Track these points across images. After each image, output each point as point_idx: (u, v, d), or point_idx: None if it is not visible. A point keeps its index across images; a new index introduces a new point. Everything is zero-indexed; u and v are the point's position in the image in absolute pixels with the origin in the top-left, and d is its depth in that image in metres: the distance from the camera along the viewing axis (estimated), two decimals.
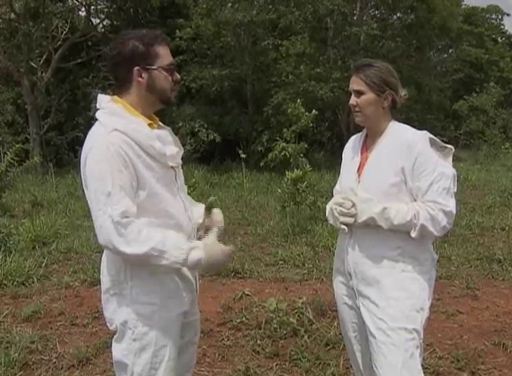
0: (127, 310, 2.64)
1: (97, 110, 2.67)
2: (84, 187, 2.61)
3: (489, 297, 6.13)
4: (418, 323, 2.96)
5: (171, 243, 2.53)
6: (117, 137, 2.51)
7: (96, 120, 2.65)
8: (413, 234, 2.90)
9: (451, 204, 2.90)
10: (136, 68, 2.61)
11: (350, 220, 2.96)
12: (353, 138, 3.33)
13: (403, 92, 3.09)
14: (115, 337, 2.74)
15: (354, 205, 2.95)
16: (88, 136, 2.62)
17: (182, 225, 2.72)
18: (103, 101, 2.68)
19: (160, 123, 2.83)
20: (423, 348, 4.72)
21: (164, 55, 2.66)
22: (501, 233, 9.23)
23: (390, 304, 2.94)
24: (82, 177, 2.60)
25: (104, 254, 2.75)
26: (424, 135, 2.99)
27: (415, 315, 2.95)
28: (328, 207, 3.13)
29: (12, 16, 19.59)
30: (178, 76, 2.74)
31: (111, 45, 2.72)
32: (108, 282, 2.70)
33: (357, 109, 3.05)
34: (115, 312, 2.70)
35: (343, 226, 2.99)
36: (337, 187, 3.33)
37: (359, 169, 3.10)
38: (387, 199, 2.93)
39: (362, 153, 3.15)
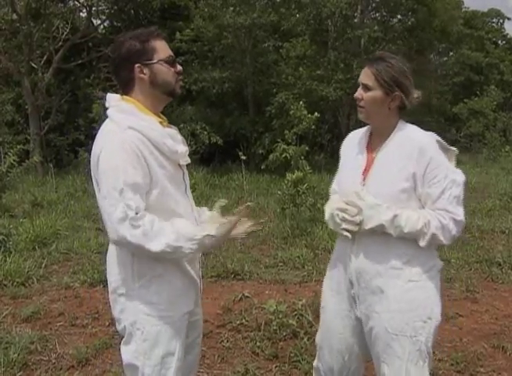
0: (135, 311, 2.65)
1: (106, 109, 2.69)
2: (94, 184, 2.63)
3: (489, 300, 6.13)
4: (424, 334, 2.85)
5: (184, 235, 2.53)
6: (131, 135, 2.53)
7: (106, 118, 2.67)
8: (422, 243, 2.79)
9: (461, 213, 2.85)
10: (137, 65, 2.63)
11: (354, 228, 2.83)
12: (354, 134, 3.16)
13: (416, 94, 2.92)
14: (124, 340, 2.74)
15: (359, 212, 2.81)
16: (99, 133, 2.63)
17: None
18: (113, 100, 2.70)
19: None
20: None
21: (161, 48, 2.68)
22: (501, 236, 9.22)
23: (393, 316, 2.84)
24: (93, 174, 2.61)
25: (110, 254, 2.74)
26: (433, 138, 2.90)
27: (421, 325, 2.84)
28: (328, 210, 2.98)
29: (14, 16, 19.58)
30: (180, 67, 2.75)
31: (110, 50, 2.74)
32: (115, 282, 2.70)
33: (361, 103, 2.89)
34: (122, 312, 2.70)
35: (346, 233, 2.86)
36: (335, 186, 3.20)
37: (364, 171, 2.94)
38: (397, 205, 2.80)
39: (367, 153, 2.99)
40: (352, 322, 3.03)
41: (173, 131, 2.78)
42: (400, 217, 2.76)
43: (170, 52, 2.71)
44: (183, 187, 2.79)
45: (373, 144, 2.99)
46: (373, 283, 2.88)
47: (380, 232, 2.81)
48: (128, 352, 2.73)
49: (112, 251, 2.72)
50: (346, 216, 2.83)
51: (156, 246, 2.47)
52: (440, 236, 2.80)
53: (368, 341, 2.99)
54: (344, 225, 2.85)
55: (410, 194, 2.82)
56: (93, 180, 2.64)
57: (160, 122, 2.71)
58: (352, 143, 3.10)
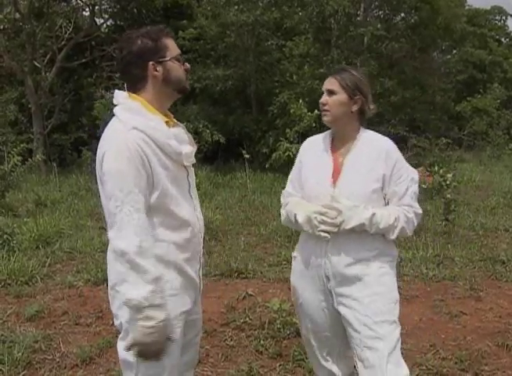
0: None
1: (114, 106, 2.70)
2: (98, 182, 2.64)
3: (493, 298, 6.12)
4: (396, 315, 3.10)
5: (151, 277, 2.53)
6: (135, 135, 2.54)
7: (113, 115, 2.69)
8: (392, 236, 3.10)
9: (419, 207, 3.16)
10: (150, 63, 2.65)
11: (333, 229, 3.02)
12: (314, 139, 3.41)
13: (372, 106, 3.20)
14: (120, 335, 2.74)
15: (339, 214, 3.01)
16: (106, 132, 2.64)
17: (190, 225, 2.75)
18: (121, 97, 2.71)
19: (175, 120, 2.85)
20: (427, 349, 4.75)
21: (172, 46, 2.72)
22: (505, 234, 9.20)
23: (373, 299, 3.05)
24: (98, 173, 2.62)
25: (110, 251, 2.72)
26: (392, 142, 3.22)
27: (394, 307, 3.10)
28: (302, 213, 3.12)
29: (17, 15, 19.61)
30: (188, 65, 2.80)
31: (118, 46, 2.77)
32: (114, 278, 2.69)
33: (326, 107, 3.15)
34: (120, 309, 2.69)
35: (324, 234, 3.03)
36: (290, 190, 3.38)
37: (334, 174, 3.15)
38: (369, 204, 3.05)
39: (332, 158, 3.20)
40: (331, 311, 3.22)
41: (179, 130, 2.78)
42: (377, 215, 3.02)
43: (179, 50, 2.76)
44: (186, 188, 2.79)
45: (337, 148, 3.23)
46: (350, 274, 3.09)
47: (357, 230, 3.03)
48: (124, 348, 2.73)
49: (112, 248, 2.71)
50: (325, 219, 3.02)
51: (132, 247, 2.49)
52: (406, 229, 3.11)
53: (348, 331, 3.13)
54: (322, 227, 3.03)
55: (379, 194, 3.11)
56: (97, 178, 2.65)
57: (167, 122, 2.72)
58: (313, 147, 3.35)
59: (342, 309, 3.12)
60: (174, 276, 2.71)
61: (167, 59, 2.68)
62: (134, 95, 2.71)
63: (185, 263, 2.75)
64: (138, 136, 2.55)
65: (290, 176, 3.44)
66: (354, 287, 3.08)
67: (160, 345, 2.59)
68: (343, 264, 3.08)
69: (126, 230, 2.49)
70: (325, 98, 3.15)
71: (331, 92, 3.13)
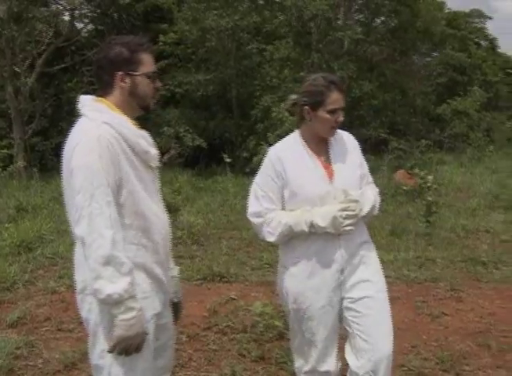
0: (101, 311, 2.62)
1: (79, 110, 2.70)
2: (64, 181, 2.66)
3: (474, 298, 6.17)
4: None
5: (127, 269, 2.53)
6: (106, 131, 2.55)
7: (80, 117, 2.68)
8: (376, 212, 3.37)
9: None
10: (120, 73, 2.66)
11: (355, 220, 3.17)
12: (282, 149, 3.40)
13: None
14: (90, 341, 2.74)
15: (358, 204, 3.17)
16: (74, 131, 2.65)
17: (158, 227, 2.76)
18: (86, 100, 2.72)
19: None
20: (409, 350, 4.78)
21: (147, 62, 2.71)
22: (485, 235, 9.27)
23: (378, 278, 3.33)
24: (64, 169, 2.63)
25: (78, 253, 2.69)
26: None
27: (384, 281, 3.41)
28: (324, 217, 3.11)
29: None
30: (160, 84, 2.80)
31: (98, 49, 2.77)
32: (83, 281, 2.66)
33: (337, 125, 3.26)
34: (90, 312, 2.68)
35: (350, 227, 3.15)
36: (268, 205, 3.24)
37: (327, 172, 3.26)
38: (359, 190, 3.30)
39: (317, 159, 3.28)
40: (339, 303, 3.31)
41: (145, 133, 2.81)
42: (374, 195, 3.34)
43: (154, 68, 2.76)
44: (154, 189, 2.80)
45: (313, 149, 3.31)
46: (357, 257, 3.28)
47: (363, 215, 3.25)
48: (94, 353, 2.73)
49: (80, 250, 2.64)
50: (350, 213, 3.14)
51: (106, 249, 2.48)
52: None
53: (359, 311, 3.24)
54: (347, 222, 3.14)
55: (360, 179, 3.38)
56: (63, 176, 2.66)
57: (134, 124, 2.74)
58: (287, 156, 3.32)
59: (356, 293, 3.24)
60: (143, 278, 2.70)
61: (138, 73, 2.68)
62: (100, 98, 2.72)
63: (155, 266, 2.75)
64: (109, 132, 2.55)
65: (259, 193, 3.28)
66: (360, 269, 3.27)
67: (143, 335, 2.59)
68: (354, 250, 3.26)
69: (97, 224, 2.47)
70: (342, 117, 3.22)
71: (342, 110, 3.23)
